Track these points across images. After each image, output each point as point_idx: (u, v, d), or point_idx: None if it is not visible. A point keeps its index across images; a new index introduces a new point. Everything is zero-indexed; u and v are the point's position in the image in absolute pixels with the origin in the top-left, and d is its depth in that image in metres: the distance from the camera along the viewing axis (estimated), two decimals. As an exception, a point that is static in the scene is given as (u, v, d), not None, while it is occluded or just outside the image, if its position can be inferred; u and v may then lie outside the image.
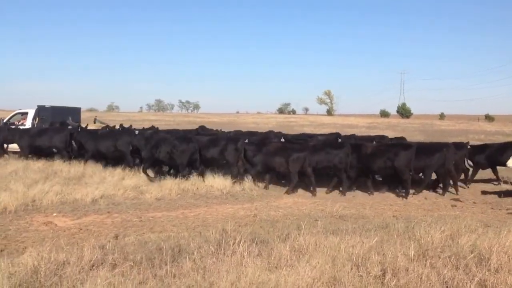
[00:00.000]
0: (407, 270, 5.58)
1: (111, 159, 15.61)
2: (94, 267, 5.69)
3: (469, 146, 15.24)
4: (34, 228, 8.54)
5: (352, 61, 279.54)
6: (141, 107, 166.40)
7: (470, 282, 5.25)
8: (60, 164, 15.07)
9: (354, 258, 6.04)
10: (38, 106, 22.76)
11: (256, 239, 6.85)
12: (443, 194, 13.23)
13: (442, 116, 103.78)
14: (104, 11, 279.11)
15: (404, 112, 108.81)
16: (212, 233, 7.36)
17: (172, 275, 5.47)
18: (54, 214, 9.57)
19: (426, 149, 13.66)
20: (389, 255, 6.01)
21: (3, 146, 18.46)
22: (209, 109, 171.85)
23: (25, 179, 12.33)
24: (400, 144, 14.37)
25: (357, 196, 12.77)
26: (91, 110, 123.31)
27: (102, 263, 5.85)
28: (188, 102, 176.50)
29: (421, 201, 12.42)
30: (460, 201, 12.44)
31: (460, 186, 13.95)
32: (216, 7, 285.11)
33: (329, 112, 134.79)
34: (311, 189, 12.94)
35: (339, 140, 16.01)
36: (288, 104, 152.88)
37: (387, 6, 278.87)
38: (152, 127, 19.80)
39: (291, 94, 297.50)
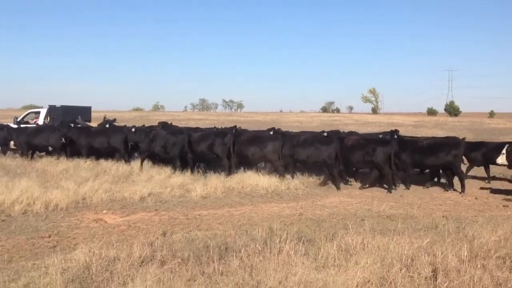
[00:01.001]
0: (459, 272, 5.43)
1: (104, 154, 16.75)
2: (143, 264, 5.79)
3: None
4: (85, 225, 8.76)
5: (397, 59, 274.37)
6: (185, 107, 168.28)
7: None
8: (108, 163, 15.48)
9: (403, 259, 5.90)
10: (49, 105, 24.05)
11: (302, 238, 6.81)
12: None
13: (492, 114, 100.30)
14: (151, 11, 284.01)
15: (452, 110, 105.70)
16: (258, 232, 7.38)
17: (219, 273, 5.50)
18: (104, 212, 9.80)
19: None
20: (440, 256, 5.85)
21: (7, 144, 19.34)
22: (253, 108, 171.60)
23: (76, 177, 12.71)
24: (378, 139, 14.91)
25: (405, 196, 12.49)
26: (137, 109, 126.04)
27: (151, 259, 5.95)
28: (231, 101, 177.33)
29: (472, 201, 12.03)
30: (513, 201, 12.00)
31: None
32: (260, 6, 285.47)
33: (374, 111, 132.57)
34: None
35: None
36: (332, 103, 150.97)
37: (434, 4, 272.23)
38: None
39: (335, 92, 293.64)
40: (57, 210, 9.69)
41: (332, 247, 6.31)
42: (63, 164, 15.16)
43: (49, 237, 7.88)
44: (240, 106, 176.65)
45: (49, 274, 5.41)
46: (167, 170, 14.16)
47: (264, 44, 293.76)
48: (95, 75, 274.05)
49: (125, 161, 16.11)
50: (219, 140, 14.71)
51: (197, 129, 18.33)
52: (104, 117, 25.86)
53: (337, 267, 5.68)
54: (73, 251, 6.46)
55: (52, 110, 23.85)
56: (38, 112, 24.34)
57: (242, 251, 6.15)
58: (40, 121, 23.35)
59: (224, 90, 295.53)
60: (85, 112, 25.53)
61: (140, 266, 5.72)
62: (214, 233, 7.89)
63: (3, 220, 8.83)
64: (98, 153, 16.89)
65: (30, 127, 20.02)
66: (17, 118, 23.13)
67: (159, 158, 15.57)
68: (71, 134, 17.34)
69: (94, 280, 5.29)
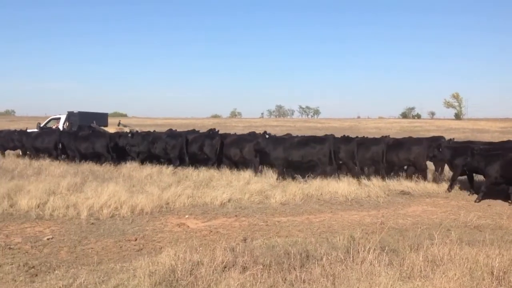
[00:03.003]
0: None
1: (90, 158, 18.28)
2: (226, 269, 5.87)
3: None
4: (168, 229, 9.02)
5: (482, 61, 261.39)
6: (262, 113, 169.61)
7: None
8: (190, 169, 15.92)
9: (494, 271, 5.61)
10: (68, 112, 26.05)
11: (386, 248, 6.63)
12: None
13: None
14: (233, 18, 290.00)
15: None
16: (340, 240, 7.29)
17: (301, 280, 5.47)
18: (186, 216, 10.05)
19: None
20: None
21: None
22: (330, 114, 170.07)
23: (159, 182, 13.18)
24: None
25: (493, 205, 11.87)
26: (215, 116, 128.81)
27: (233, 265, 6.01)
28: (308, 107, 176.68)
29: None
30: None
31: None
32: (339, 11, 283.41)
33: (457, 116, 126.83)
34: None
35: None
36: (412, 108, 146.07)
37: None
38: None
39: (416, 97, 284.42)
40: (142, 214, 10.06)
41: (418, 258, 6.10)
42: (147, 169, 15.77)
43: (135, 240, 8.20)
44: (316, 112, 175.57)
45: (137, 277, 5.63)
46: (246, 176, 14.32)
47: (341, 50, 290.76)
48: (178, 83, 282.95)
49: (114, 164, 17.35)
50: (208, 141, 16.67)
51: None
52: (119, 123, 27.98)
53: (423, 278, 5.50)
54: (158, 255, 6.66)
55: (70, 116, 26.01)
56: (59, 118, 26.48)
57: (324, 259, 6.09)
58: (60, 126, 25.38)
59: (301, 96, 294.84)
60: (102, 117, 27.72)
61: (223, 271, 5.80)
62: (294, 240, 7.87)
63: (92, 223, 9.26)
64: (85, 157, 18.47)
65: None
66: (40, 124, 25.29)
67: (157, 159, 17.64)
68: (63, 139, 19.35)
69: (180, 283, 5.43)
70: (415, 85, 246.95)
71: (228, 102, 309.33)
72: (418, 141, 15.64)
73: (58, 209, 9.92)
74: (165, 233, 8.75)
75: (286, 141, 15.44)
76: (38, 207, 10.16)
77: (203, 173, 14.94)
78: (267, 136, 16.08)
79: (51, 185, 12.00)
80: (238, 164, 16.28)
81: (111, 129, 24.08)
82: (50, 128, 24.86)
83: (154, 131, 21.16)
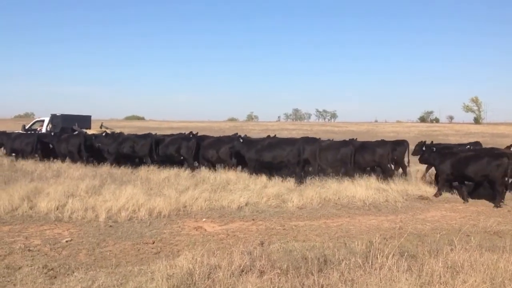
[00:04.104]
0: None
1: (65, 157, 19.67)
2: (243, 273, 5.85)
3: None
4: (186, 232, 9.03)
5: (501, 65, 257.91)
6: (278, 117, 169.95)
7: None
8: (207, 172, 15.96)
9: (516, 278, 5.52)
10: (51, 114, 27.10)
11: (405, 253, 6.55)
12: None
13: None
14: (245, 22, 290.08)
15: None
16: (358, 245, 7.23)
17: (319, 286, 5.43)
18: (203, 220, 10.06)
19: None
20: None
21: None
22: (347, 118, 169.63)
23: (177, 185, 13.22)
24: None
25: (514, 211, 11.70)
26: (231, 120, 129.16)
27: (250, 269, 5.99)
28: (325, 111, 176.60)
29: None
30: None
31: None
32: (358, 17, 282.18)
33: (477, 121, 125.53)
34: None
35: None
36: (430, 112, 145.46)
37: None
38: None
39: (434, 101, 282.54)
40: (160, 217, 10.09)
41: (437, 264, 6.01)
42: (164, 173, 15.83)
43: (153, 243, 8.22)
44: (333, 116, 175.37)
45: (155, 280, 5.64)
46: (263, 180, 14.31)
47: (359, 54, 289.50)
48: (196, 87, 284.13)
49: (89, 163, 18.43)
50: (185, 143, 17.62)
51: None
52: (101, 125, 29.55)
53: (443, 285, 5.43)
54: (176, 258, 6.67)
55: (53, 118, 26.99)
56: (43, 121, 27.46)
57: (343, 264, 6.04)
58: (44, 129, 26.35)
59: (318, 100, 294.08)
60: (85, 120, 28.69)
61: (240, 275, 5.78)
62: (312, 244, 7.84)
63: (110, 226, 9.30)
64: (63, 156, 19.83)
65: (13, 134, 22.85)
66: (25, 126, 26.55)
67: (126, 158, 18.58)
68: (49, 140, 20.73)
69: (198, 287, 5.43)
70: (434, 89, 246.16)
71: (245, 105, 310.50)
72: (383, 143, 16.39)
73: (77, 212, 10.01)
74: (182, 236, 8.77)
75: (258, 143, 16.54)
76: (57, 209, 10.26)
77: (220, 177, 14.95)
78: (241, 140, 16.78)
79: (70, 187, 12.12)
80: (215, 164, 17.53)
81: (93, 132, 24.93)
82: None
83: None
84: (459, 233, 8.90)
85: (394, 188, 13.47)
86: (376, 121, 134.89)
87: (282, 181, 14.17)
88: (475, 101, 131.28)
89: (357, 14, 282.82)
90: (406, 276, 5.63)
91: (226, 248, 7.51)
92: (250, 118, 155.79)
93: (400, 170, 16.92)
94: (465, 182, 13.64)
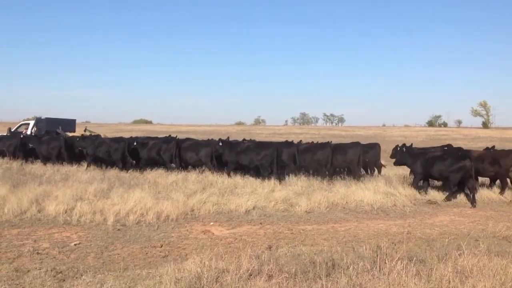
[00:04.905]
0: None
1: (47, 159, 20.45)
2: (251, 277, 5.84)
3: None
4: (194, 236, 9.03)
5: (510, 70, 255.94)
6: (286, 121, 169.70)
7: None
8: (215, 175, 15.99)
9: (526, 284, 5.48)
10: (36, 117, 27.91)
11: (414, 258, 6.52)
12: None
13: None
14: (252, 26, 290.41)
15: None
16: (366, 249, 7.21)
17: (328, 290, 5.41)
18: (211, 223, 10.06)
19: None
20: None
21: None
22: (354, 122, 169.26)
23: (185, 189, 13.24)
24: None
25: (524, 216, 11.61)
26: (239, 124, 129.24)
27: (258, 273, 5.98)
28: (332, 115, 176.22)
29: None
30: None
31: None
32: (364, 21, 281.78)
33: (485, 125, 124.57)
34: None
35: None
36: (438, 116, 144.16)
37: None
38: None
39: (442, 105, 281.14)
40: (168, 220, 10.10)
41: (446, 269, 5.98)
42: (172, 176, 15.87)
43: (161, 246, 8.23)
44: (341, 120, 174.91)
45: (163, 283, 5.65)
46: (271, 183, 14.31)
47: (366, 58, 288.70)
48: (203, 91, 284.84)
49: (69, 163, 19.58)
50: (164, 146, 18.37)
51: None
52: (85, 129, 30.37)
53: (452, 290, 5.38)
54: (184, 261, 6.68)
55: (38, 121, 27.71)
56: (28, 124, 28.25)
57: (351, 269, 6.02)
58: (29, 131, 27.11)
59: (325, 104, 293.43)
60: (69, 124, 29.45)
61: (248, 279, 5.78)
62: (320, 248, 7.82)
63: (118, 229, 9.32)
64: (45, 158, 20.59)
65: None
66: (11, 129, 27.10)
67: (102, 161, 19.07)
68: (32, 143, 21.47)
69: (206, 291, 5.44)
70: (442, 93, 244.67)
71: (252, 109, 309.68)
72: (354, 145, 17.16)
73: (85, 215, 10.04)
74: (190, 240, 8.77)
75: (238, 146, 17.53)
76: (66, 212, 10.30)
77: (228, 180, 14.97)
78: (220, 144, 17.74)
79: (78, 191, 12.18)
80: (194, 166, 18.22)
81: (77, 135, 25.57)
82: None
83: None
84: (467, 238, 8.85)
85: (402, 192, 13.43)
86: (384, 125, 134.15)
87: (289, 185, 14.16)
88: (484, 105, 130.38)
89: (365, 19, 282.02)
90: (415, 281, 5.61)
91: (234, 252, 7.50)
92: (258, 122, 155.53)
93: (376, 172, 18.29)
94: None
